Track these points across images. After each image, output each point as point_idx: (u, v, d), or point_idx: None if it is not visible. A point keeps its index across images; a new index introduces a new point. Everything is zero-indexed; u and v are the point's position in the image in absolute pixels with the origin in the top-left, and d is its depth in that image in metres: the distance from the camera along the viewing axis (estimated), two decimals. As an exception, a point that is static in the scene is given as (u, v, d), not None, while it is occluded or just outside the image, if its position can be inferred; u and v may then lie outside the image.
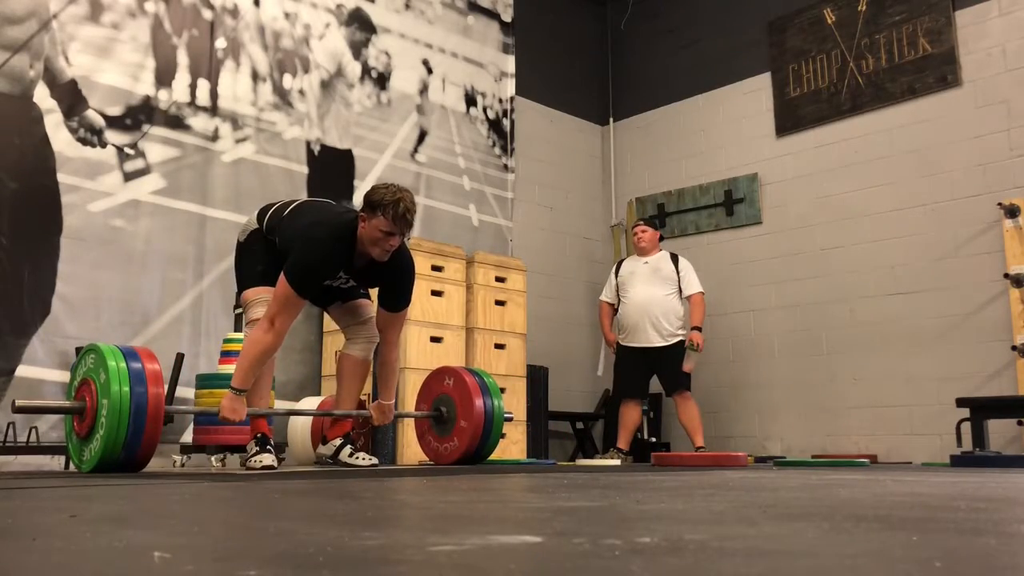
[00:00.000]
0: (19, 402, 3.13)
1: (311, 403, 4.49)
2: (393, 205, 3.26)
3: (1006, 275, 5.31)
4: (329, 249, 3.36)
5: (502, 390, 5.32)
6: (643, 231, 5.76)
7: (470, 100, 6.67)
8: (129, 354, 3.06)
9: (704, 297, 5.67)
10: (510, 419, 4.23)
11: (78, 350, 4.31)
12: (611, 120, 7.73)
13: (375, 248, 3.34)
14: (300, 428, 4.40)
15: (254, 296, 3.53)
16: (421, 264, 5.12)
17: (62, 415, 4.26)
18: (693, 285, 5.63)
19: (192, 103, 5.08)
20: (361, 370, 3.76)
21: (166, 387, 4.58)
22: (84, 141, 4.63)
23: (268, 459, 3.38)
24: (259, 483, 2.51)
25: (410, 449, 4.81)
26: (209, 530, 1.29)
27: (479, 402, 3.97)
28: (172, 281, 4.85)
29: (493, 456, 4.98)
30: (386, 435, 4.77)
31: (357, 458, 3.70)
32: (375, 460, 3.81)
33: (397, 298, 3.62)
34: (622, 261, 5.95)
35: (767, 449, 6.21)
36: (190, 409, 4.08)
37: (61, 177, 4.51)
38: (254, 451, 3.45)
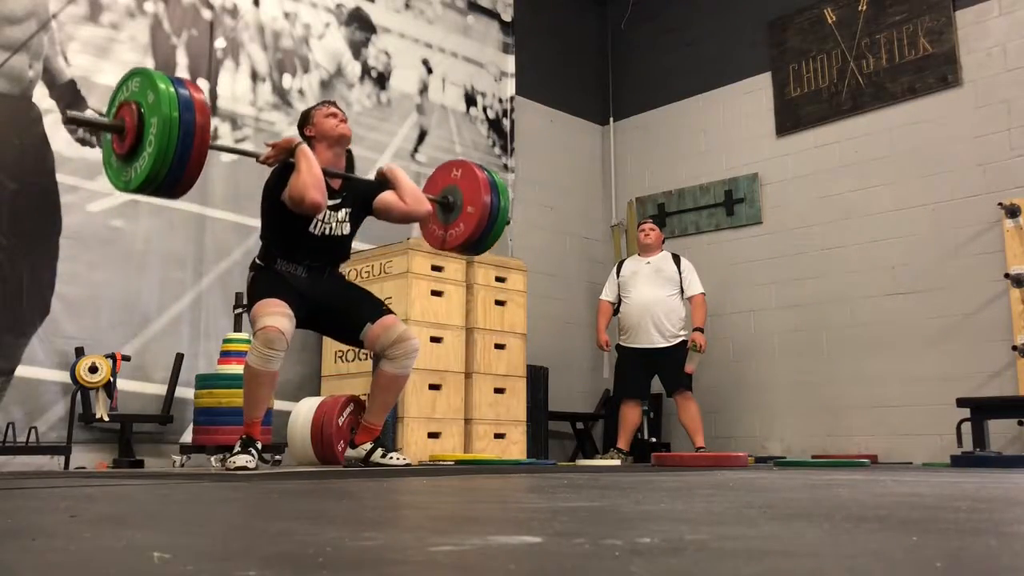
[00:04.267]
0: (71, 113, 3.19)
1: (310, 404, 4.48)
2: (316, 104, 3.79)
3: (1006, 275, 5.31)
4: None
5: (502, 391, 5.35)
6: (651, 228, 5.77)
7: (470, 100, 6.66)
8: (177, 81, 3.13)
9: (705, 297, 5.67)
10: (508, 221, 4.15)
11: (78, 350, 4.32)
12: (611, 120, 7.72)
13: (334, 131, 3.62)
14: (300, 428, 4.39)
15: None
16: (421, 264, 5.12)
17: (66, 404, 4.27)
18: (695, 286, 5.63)
19: (192, 103, 5.07)
20: (398, 385, 3.74)
21: (166, 388, 4.61)
22: (83, 141, 4.62)
23: (242, 460, 3.33)
24: (259, 483, 2.51)
25: (410, 449, 4.81)
26: (209, 530, 1.29)
27: (487, 198, 3.93)
28: (171, 281, 4.85)
29: (493, 456, 4.98)
30: (386, 435, 4.77)
31: (391, 458, 3.71)
32: (408, 460, 3.82)
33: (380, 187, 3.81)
34: (623, 261, 5.95)
35: (767, 449, 6.21)
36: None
37: (60, 177, 4.51)
38: (235, 451, 3.44)
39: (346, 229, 3.66)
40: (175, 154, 3.00)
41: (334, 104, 3.74)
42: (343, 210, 3.64)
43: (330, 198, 3.55)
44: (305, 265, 3.57)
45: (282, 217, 3.48)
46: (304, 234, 3.52)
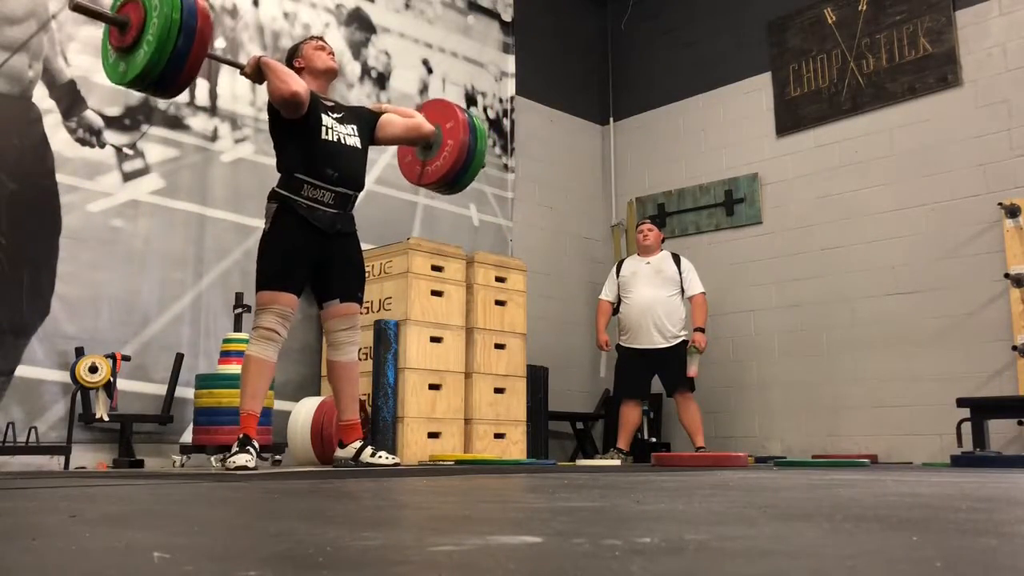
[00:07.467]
0: (76, 0, 3.33)
1: (310, 404, 4.48)
2: (304, 39, 3.91)
3: (1006, 275, 5.31)
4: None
5: (502, 391, 5.35)
6: (649, 229, 5.77)
7: (470, 100, 6.66)
8: None
9: (706, 297, 5.67)
10: (482, 166, 4.22)
11: (78, 350, 4.33)
12: (611, 120, 7.73)
13: (322, 64, 3.77)
14: (300, 428, 4.40)
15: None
16: (421, 264, 5.12)
17: (66, 404, 4.27)
18: (695, 286, 5.63)
19: (191, 103, 5.07)
20: (355, 372, 3.85)
21: (166, 388, 4.61)
22: (83, 141, 4.62)
23: (242, 459, 3.35)
24: (259, 483, 2.51)
25: (410, 449, 4.81)
26: (209, 530, 1.29)
27: (465, 138, 4.02)
28: (172, 281, 4.85)
29: (493, 456, 4.98)
30: (386, 435, 4.77)
31: (380, 457, 3.73)
32: (397, 459, 3.84)
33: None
34: (623, 261, 5.95)
35: (767, 449, 6.21)
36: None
37: (60, 177, 4.51)
38: (234, 451, 3.45)
39: (357, 142, 3.76)
40: (171, 54, 3.16)
41: (322, 39, 3.88)
42: (349, 124, 3.76)
43: (332, 112, 3.71)
44: (330, 187, 3.61)
45: (292, 132, 3.60)
46: (318, 141, 3.61)
